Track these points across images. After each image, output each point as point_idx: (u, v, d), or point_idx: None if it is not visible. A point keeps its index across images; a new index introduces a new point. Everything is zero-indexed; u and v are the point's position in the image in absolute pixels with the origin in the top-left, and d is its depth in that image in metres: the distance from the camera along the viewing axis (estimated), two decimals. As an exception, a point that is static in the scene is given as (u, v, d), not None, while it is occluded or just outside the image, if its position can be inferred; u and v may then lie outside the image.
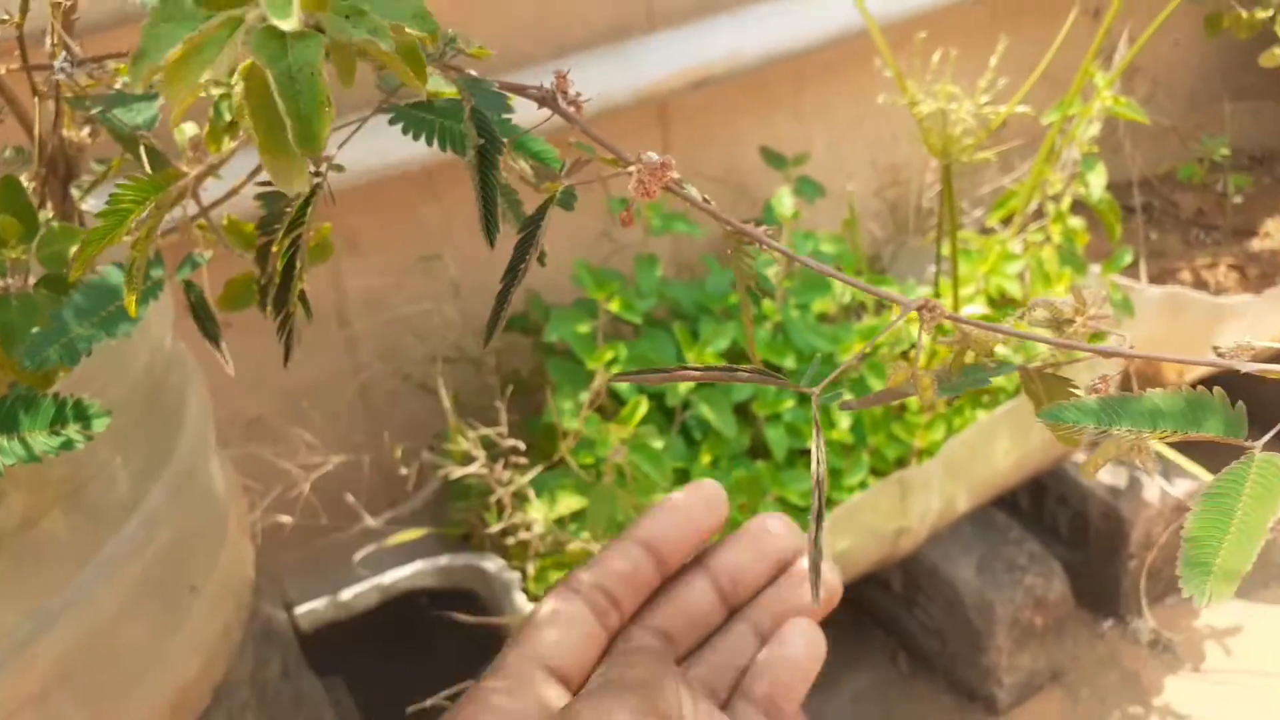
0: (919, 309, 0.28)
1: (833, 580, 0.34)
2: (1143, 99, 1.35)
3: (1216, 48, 1.35)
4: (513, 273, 0.28)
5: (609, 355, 0.74)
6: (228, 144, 0.36)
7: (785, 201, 0.86)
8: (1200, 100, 1.38)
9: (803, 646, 0.33)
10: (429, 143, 0.29)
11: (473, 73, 0.28)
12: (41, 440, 0.33)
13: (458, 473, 0.68)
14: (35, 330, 0.35)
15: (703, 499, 0.34)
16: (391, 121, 0.29)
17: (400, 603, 0.78)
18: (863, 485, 0.79)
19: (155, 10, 0.20)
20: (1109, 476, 1.01)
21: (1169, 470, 1.00)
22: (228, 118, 0.38)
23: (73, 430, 0.34)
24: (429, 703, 0.64)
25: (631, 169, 0.29)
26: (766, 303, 0.87)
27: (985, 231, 0.90)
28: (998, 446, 0.81)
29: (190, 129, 0.42)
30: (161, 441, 0.45)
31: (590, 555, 0.69)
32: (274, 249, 0.31)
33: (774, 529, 0.35)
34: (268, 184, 0.33)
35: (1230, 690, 0.96)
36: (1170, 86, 1.39)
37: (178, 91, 0.21)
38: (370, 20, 0.21)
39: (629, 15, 0.92)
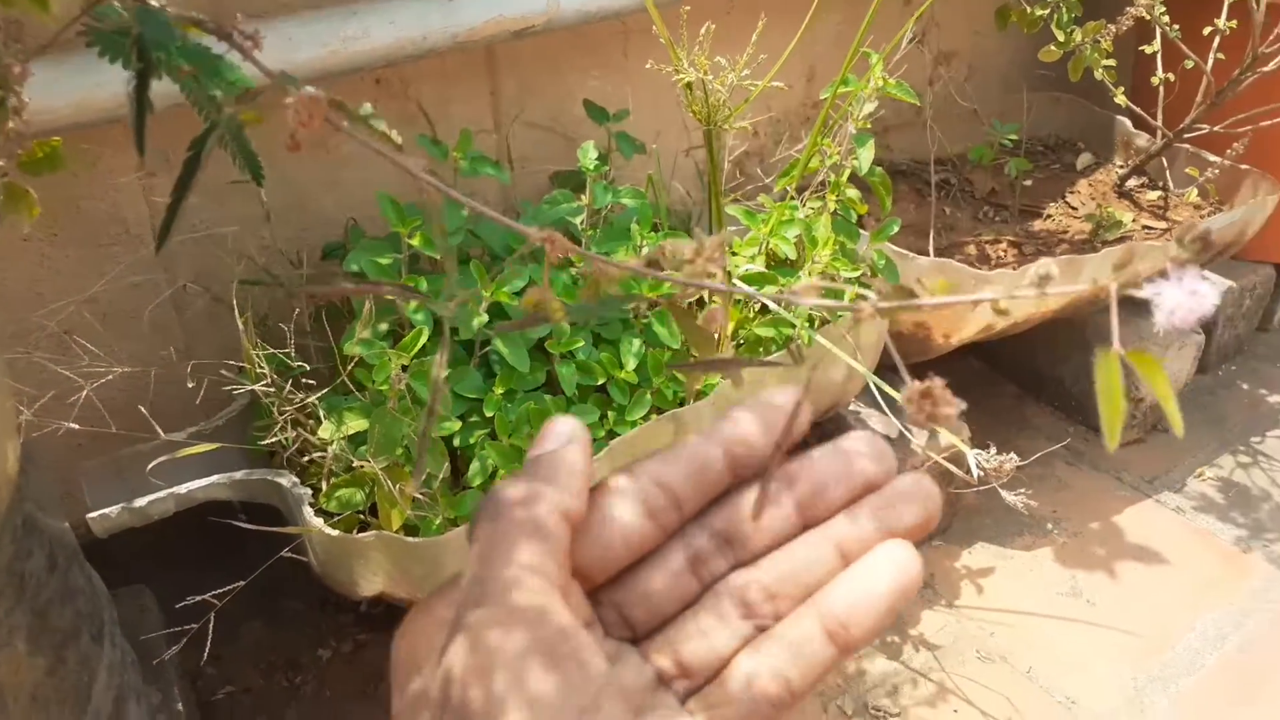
0: (543, 240, 0.34)
1: (933, 502, 0.31)
2: (960, 82, 1.45)
3: (1023, 39, 1.46)
4: (182, 186, 0.32)
5: (451, 298, 0.79)
6: None
7: (590, 154, 0.91)
8: (1012, 87, 1.49)
9: (892, 572, 0.29)
10: (125, 66, 0.32)
11: (156, 3, 0.32)
12: None
13: (247, 389, 0.71)
14: None
15: (791, 404, 0.32)
16: (89, 43, 0.32)
17: (216, 520, 0.82)
18: (646, 420, 0.86)
19: None
20: (882, 426, 1.12)
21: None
22: None
23: None
24: (198, 599, 0.68)
25: (290, 101, 0.32)
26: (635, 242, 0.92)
27: (781, 197, 0.97)
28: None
29: None
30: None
31: (374, 475, 0.74)
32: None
33: (864, 449, 0.32)
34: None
35: (974, 625, 1.09)
36: (985, 72, 1.50)
37: None
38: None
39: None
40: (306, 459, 0.80)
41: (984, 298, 0.27)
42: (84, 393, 0.69)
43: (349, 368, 0.73)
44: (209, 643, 0.75)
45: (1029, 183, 1.36)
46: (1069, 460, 1.30)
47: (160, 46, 0.32)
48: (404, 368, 0.71)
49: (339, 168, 0.98)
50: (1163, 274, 0.27)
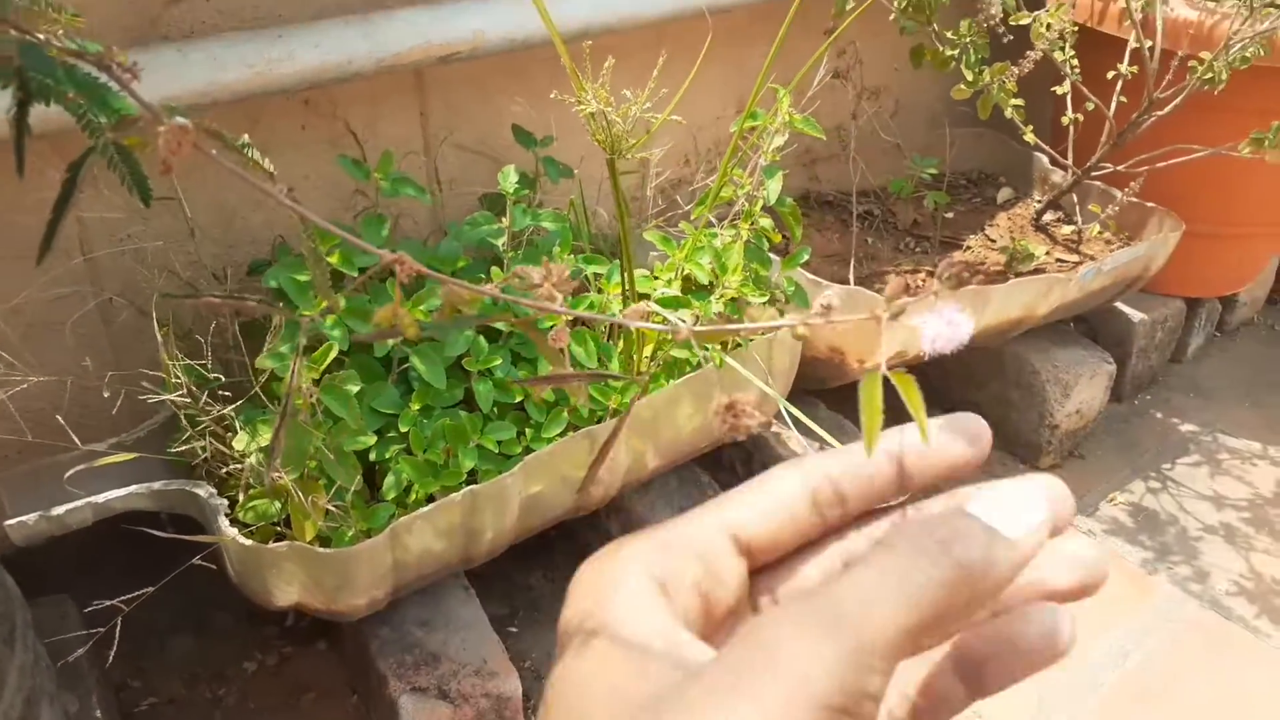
0: (394, 261, 0.37)
1: (1100, 567, 0.30)
2: (887, 117, 1.51)
3: (947, 77, 1.52)
4: (61, 204, 0.34)
5: (322, 304, 0.81)
6: None
7: (510, 178, 0.94)
8: (938, 122, 1.55)
9: (1041, 633, 0.28)
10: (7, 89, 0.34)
11: (40, 37, 0.34)
12: None
13: (161, 399, 0.73)
14: None
15: (964, 431, 0.30)
16: None
17: (133, 528, 0.83)
18: (563, 436, 0.89)
19: None
20: (802, 449, 1.15)
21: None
22: None
23: None
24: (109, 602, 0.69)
25: (160, 129, 0.35)
26: (495, 269, 0.95)
27: (709, 225, 1.01)
28: (680, 411, 0.92)
29: None
30: None
31: (285, 488, 0.76)
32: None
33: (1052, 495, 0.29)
34: None
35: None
36: (912, 108, 1.56)
37: None
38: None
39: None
40: (225, 470, 0.82)
41: (783, 324, 0.31)
42: (1, 396, 0.70)
43: (262, 380, 0.75)
44: (135, 655, 0.76)
45: (951, 215, 1.42)
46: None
47: (42, 74, 0.34)
48: (315, 381, 0.73)
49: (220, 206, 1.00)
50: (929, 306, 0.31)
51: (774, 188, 0.88)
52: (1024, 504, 0.27)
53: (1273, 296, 1.73)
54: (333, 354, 0.75)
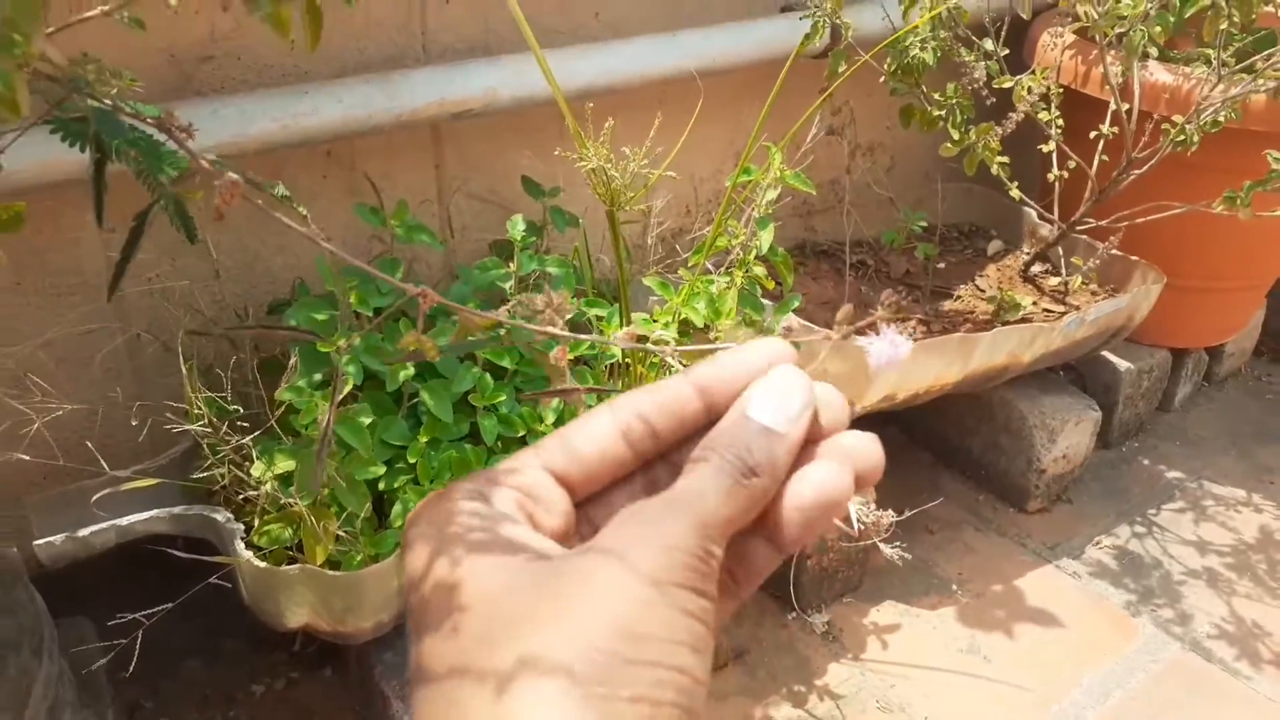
0: (418, 294, 0.42)
1: (871, 456, 0.33)
2: (881, 172, 1.57)
3: (939, 135, 1.58)
4: (129, 248, 0.39)
5: (340, 341, 0.86)
6: None
7: (518, 226, 0.99)
8: (932, 177, 1.61)
9: (818, 481, 0.31)
10: (81, 150, 0.40)
11: (109, 103, 0.40)
12: None
13: (183, 429, 0.78)
14: None
15: (765, 354, 0.33)
16: (52, 131, 0.40)
17: (151, 553, 0.87)
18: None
19: None
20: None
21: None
22: None
23: None
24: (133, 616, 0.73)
25: (216, 183, 0.41)
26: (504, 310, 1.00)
27: (707, 272, 1.06)
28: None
29: None
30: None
31: (298, 514, 0.81)
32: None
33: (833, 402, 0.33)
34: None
35: (879, 677, 1.15)
36: (906, 163, 1.62)
37: None
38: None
39: (404, 49, 1.04)
40: (242, 497, 0.87)
41: (719, 347, 0.36)
42: (35, 426, 0.75)
43: (278, 413, 0.80)
44: (149, 677, 0.80)
45: (942, 265, 1.47)
46: (977, 526, 1.38)
47: (113, 137, 0.40)
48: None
49: (287, 232, 1.06)
50: (875, 330, 0.36)
51: (766, 238, 0.94)
52: (786, 396, 0.32)
53: (1259, 349, 1.77)
54: (349, 387, 0.80)
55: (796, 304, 0.99)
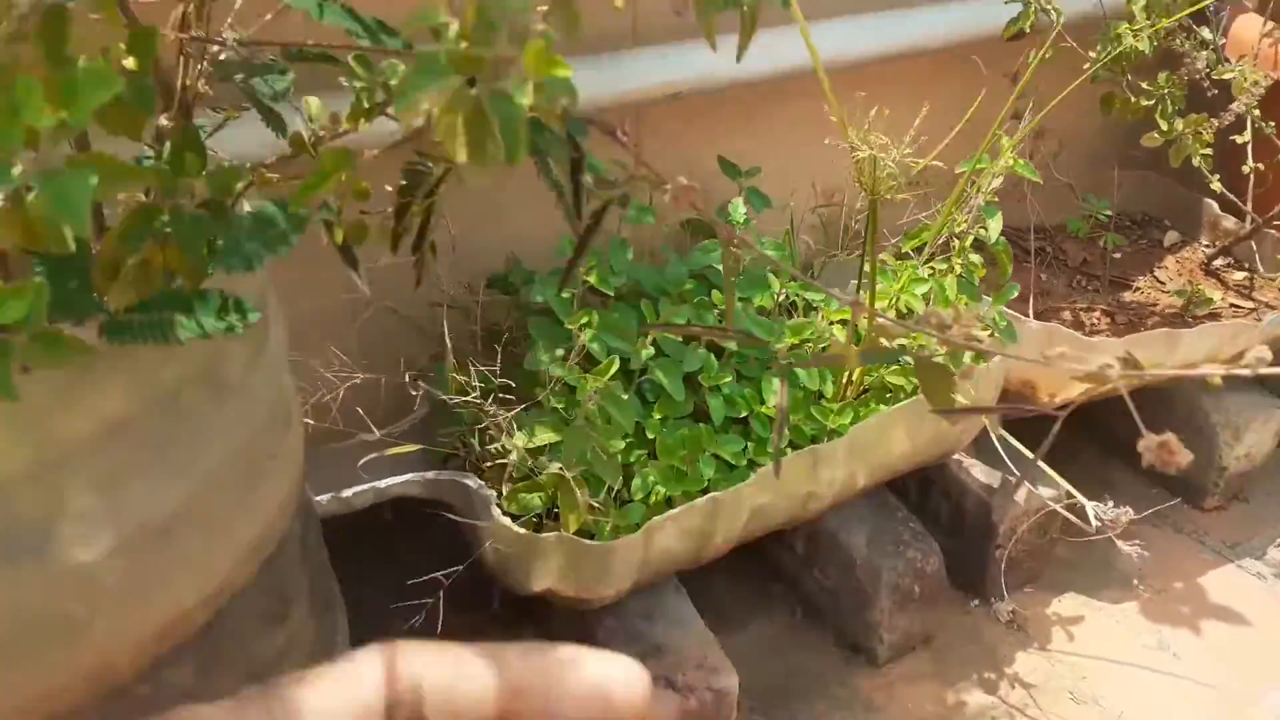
0: (850, 304, 0.44)
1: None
2: (1051, 156, 1.55)
3: (1109, 120, 1.56)
4: (581, 248, 0.42)
5: (584, 319, 0.89)
6: (363, 124, 0.49)
7: (739, 209, 1.01)
8: (1098, 164, 1.58)
9: None
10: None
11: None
12: (211, 323, 0.46)
13: (455, 401, 0.82)
14: (221, 242, 0.47)
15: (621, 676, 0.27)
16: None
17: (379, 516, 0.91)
18: (782, 453, 0.95)
19: (412, 69, 0.34)
20: (984, 476, 1.20)
21: (1035, 476, 1.19)
22: (366, 106, 0.52)
23: (233, 319, 0.47)
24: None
25: (668, 186, 0.43)
26: (715, 293, 1.02)
27: (900, 256, 1.06)
28: (894, 436, 0.98)
29: (315, 103, 0.56)
30: (259, 337, 0.58)
31: (558, 482, 0.83)
32: (413, 208, 0.45)
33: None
34: (415, 163, 0.47)
35: (1068, 668, 1.15)
36: (1075, 148, 1.59)
37: (407, 115, 0.35)
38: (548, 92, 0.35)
39: (616, 32, 1.06)
40: (487, 465, 0.90)
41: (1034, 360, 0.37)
42: (338, 393, 0.79)
43: (550, 386, 0.83)
44: (365, 632, 0.83)
45: (1118, 255, 1.45)
46: (1153, 523, 1.36)
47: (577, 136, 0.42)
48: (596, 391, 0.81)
49: (500, 208, 1.09)
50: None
51: (995, 227, 0.94)
52: None
53: None
54: (615, 368, 0.82)
55: (1015, 294, 0.99)
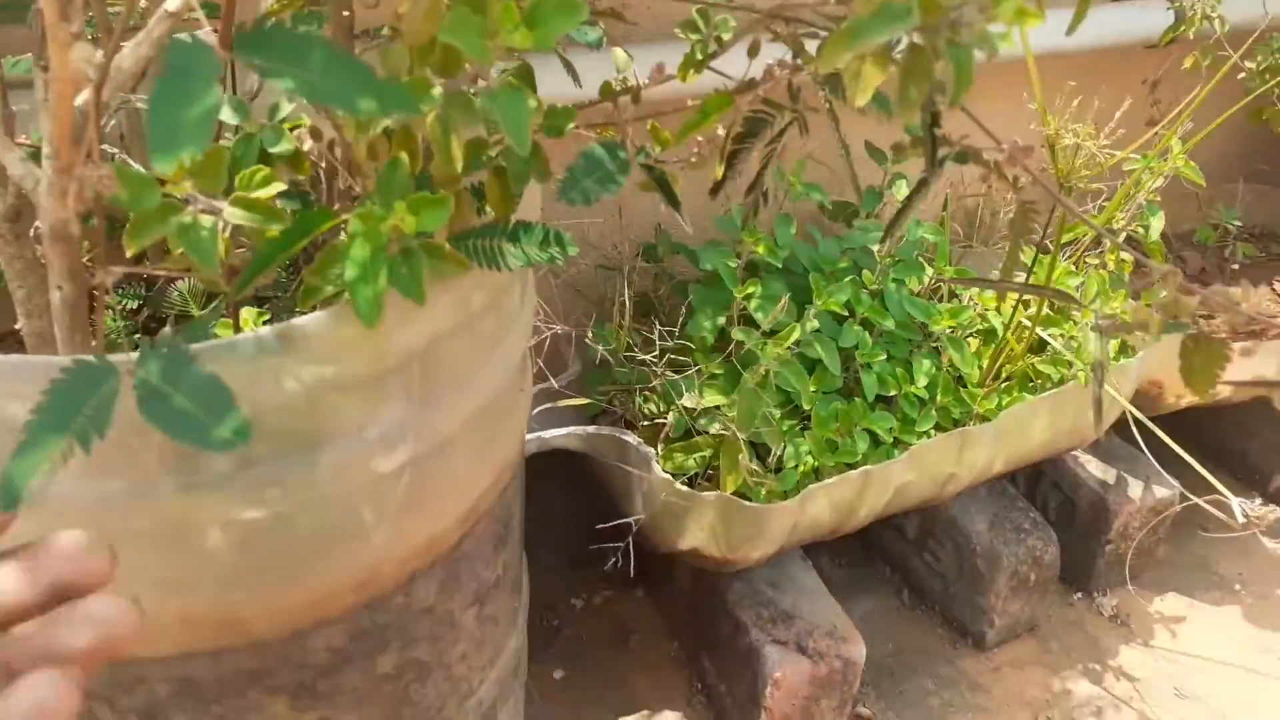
0: (1163, 274, 0.45)
1: (116, 620, 0.31)
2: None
3: (1237, 133, 1.55)
4: (911, 200, 0.44)
5: (751, 289, 0.91)
6: (692, 75, 0.52)
7: (903, 191, 1.02)
8: (1214, 176, 1.58)
9: (29, 705, 0.28)
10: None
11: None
12: (535, 252, 0.49)
13: (619, 359, 0.84)
14: (560, 179, 0.50)
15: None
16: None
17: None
18: (928, 434, 0.97)
19: (868, 14, 0.35)
20: (1099, 471, 1.21)
21: (1151, 475, 1.20)
22: (699, 58, 0.54)
23: (554, 250, 0.49)
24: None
25: (1004, 146, 0.45)
26: (866, 274, 1.04)
27: (1041, 250, 1.08)
28: (1037, 424, 0.99)
29: (621, 54, 0.58)
30: (525, 276, 0.61)
31: (721, 443, 0.86)
32: (754, 155, 0.47)
33: (64, 551, 0.31)
34: (760, 111, 0.49)
35: (1171, 665, 1.17)
36: (1197, 156, 1.59)
37: (829, 60, 0.37)
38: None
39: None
40: (643, 424, 0.93)
41: None
42: (544, 340, 0.82)
43: (728, 351, 0.85)
44: None
45: (1235, 267, 1.45)
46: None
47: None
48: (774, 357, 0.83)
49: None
50: None
51: (1156, 225, 0.95)
52: None
53: None
54: (795, 334, 0.85)
55: (1164, 294, 1.00)
